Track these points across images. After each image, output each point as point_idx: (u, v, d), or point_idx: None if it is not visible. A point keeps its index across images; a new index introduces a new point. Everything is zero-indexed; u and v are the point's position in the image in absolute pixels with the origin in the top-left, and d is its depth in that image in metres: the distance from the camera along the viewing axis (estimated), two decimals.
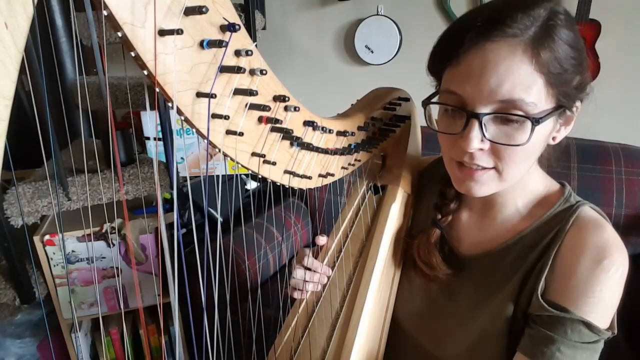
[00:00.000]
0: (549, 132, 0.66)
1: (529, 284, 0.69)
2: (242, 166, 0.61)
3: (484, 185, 0.69)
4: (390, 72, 2.59)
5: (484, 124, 0.62)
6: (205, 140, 0.53)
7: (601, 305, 0.64)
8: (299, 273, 0.86)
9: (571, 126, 0.69)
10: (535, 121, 0.60)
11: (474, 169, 0.67)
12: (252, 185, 2.20)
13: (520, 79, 0.59)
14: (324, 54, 2.71)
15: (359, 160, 0.88)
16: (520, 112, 0.60)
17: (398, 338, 0.84)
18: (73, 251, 1.62)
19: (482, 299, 0.74)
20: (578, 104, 0.66)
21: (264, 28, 2.07)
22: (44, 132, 1.35)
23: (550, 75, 0.60)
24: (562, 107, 0.63)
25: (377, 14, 2.50)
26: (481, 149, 0.64)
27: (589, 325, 0.63)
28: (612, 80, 2.16)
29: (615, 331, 0.66)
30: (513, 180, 0.69)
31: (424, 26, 2.48)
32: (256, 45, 0.54)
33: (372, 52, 2.56)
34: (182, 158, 2.03)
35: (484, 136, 0.63)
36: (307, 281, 0.86)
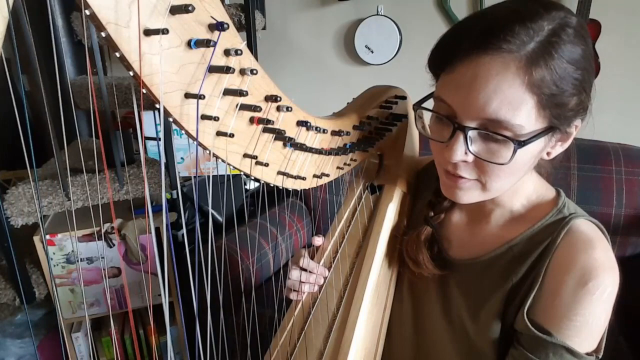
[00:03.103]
0: (540, 150, 0.64)
1: (518, 298, 0.68)
2: (234, 168, 0.61)
3: (467, 193, 0.68)
4: (390, 72, 2.59)
5: (470, 137, 0.61)
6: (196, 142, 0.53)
7: (585, 329, 0.63)
8: (294, 274, 0.85)
9: (568, 143, 0.66)
10: (519, 144, 0.58)
11: (459, 177, 0.67)
12: (252, 185, 2.19)
13: (509, 99, 0.57)
14: (324, 54, 2.71)
15: (355, 160, 0.87)
16: (505, 133, 0.59)
17: (394, 339, 0.84)
18: (73, 251, 1.63)
19: (470, 306, 0.73)
20: (578, 122, 0.64)
21: (264, 28, 2.07)
22: (44, 132, 1.35)
23: (543, 97, 0.57)
24: (554, 128, 0.61)
25: (377, 14, 2.50)
26: (465, 161, 0.64)
27: (570, 351, 0.62)
28: (612, 80, 2.15)
29: (600, 355, 0.65)
30: (498, 192, 0.68)
31: (424, 26, 2.48)
32: (250, 45, 0.54)
33: (372, 52, 2.55)
34: (182, 158, 2.03)
35: (468, 149, 0.62)
36: (303, 282, 0.85)
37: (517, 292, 0.68)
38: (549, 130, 0.61)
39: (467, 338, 0.72)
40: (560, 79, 0.57)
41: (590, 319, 0.63)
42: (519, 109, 0.57)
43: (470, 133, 0.61)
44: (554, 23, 0.57)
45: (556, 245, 0.67)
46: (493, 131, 0.59)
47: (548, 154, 0.67)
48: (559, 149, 0.67)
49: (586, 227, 0.69)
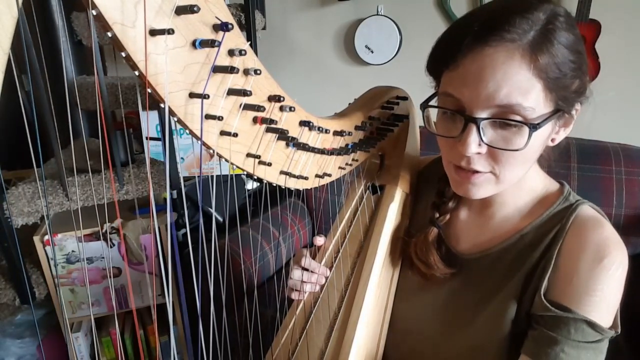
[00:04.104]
0: (548, 135, 0.66)
1: (532, 284, 0.69)
2: (237, 167, 0.61)
3: (481, 188, 0.69)
4: (390, 72, 2.59)
5: (482, 128, 0.62)
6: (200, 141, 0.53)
7: (603, 303, 0.64)
8: (296, 274, 0.85)
9: (570, 128, 0.68)
10: (533, 127, 0.60)
11: (471, 172, 0.67)
12: (252, 185, 2.19)
13: (518, 84, 0.58)
14: (324, 54, 2.71)
15: (357, 160, 0.87)
16: (518, 117, 0.60)
17: (397, 338, 0.84)
18: (73, 251, 1.63)
19: (482, 300, 0.73)
20: (578, 106, 0.66)
21: (264, 28, 2.07)
22: (44, 132, 1.35)
23: (549, 80, 0.59)
24: (560, 110, 0.63)
25: (377, 14, 2.50)
26: (479, 153, 0.64)
27: (592, 324, 0.63)
28: (612, 80, 2.15)
29: (619, 330, 0.66)
30: (510, 182, 0.69)
31: (424, 26, 2.48)
32: (250, 45, 0.54)
33: (372, 52, 2.55)
34: (182, 158, 2.03)
35: (482, 140, 0.63)
36: (304, 282, 0.85)
37: (531, 278, 0.69)
38: (555, 113, 0.63)
39: (480, 331, 0.73)
40: (562, 63, 0.60)
41: (607, 294, 0.64)
42: (529, 93, 0.59)
43: (483, 123, 0.62)
44: (547, 13, 0.60)
45: (566, 229, 0.69)
46: (505, 118, 0.61)
47: (552, 140, 0.68)
48: (562, 134, 0.68)
49: (592, 211, 0.71)
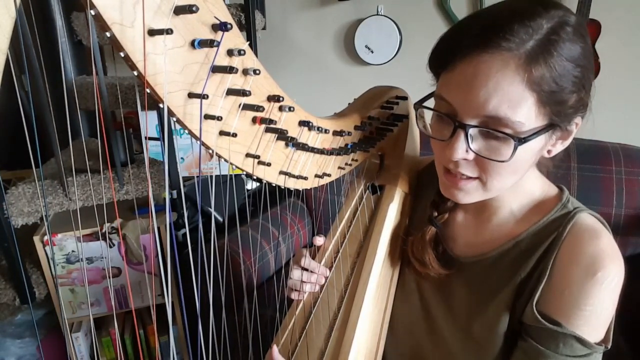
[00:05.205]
0: (541, 147, 0.64)
1: (526, 292, 0.68)
2: (237, 167, 0.61)
3: (467, 194, 0.68)
4: (390, 72, 2.59)
5: (470, 135, 0.61)
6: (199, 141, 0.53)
7: (594, 318, 0.63)
8: (296, 274, 0.85)
9: (569, 141, 0.67)
10: (519, 141, 0.59)
11: (459, 177, 0.67)
12: (252, 185, 2.20)
13: (509, 96, 0.57)
14: (324, 54, 2.71)
15: (356, 160, 0.87)
16: (505, 130, 0.59)
17: (396, 338, 0.84)
18: (73, 251, 1.63)
19: (477, 303, 0.73)
20: (578, 120, 0.64)
21: (264, 28, 2.07)
22: (44, 131, 1.35)
23: (542, 94, 0.57)
24: (554, 125, 0.61)
25: (377, 14, 2.50)
26: (465, 159, 0.64)
27: (580, 340, 0.63)
28: (612, 80, 2.15)
29: (609, 345, 0.65)
30: (499, 191, 0.68)
31: (424, 26, 2.48)
32: (250, 45, 0.54)
33: (372, 52, 2.55)
34: (182, 158, 2.03)
35: (469, 147, 0.62)
36: (304, 282, 0.85)
37: (525, 286, 0.69)
38: (549, 127, 0.61)
39: (472, 336, 0.72)
40: (560, 76, 0.57)
41: (599, 309, 0.63)
42: (519, 105, 0.57)
43: (471, 131, 0.61)
44: (553, 22, 0.57)
45: (562, 238, 0.67)
46: (493, 128, 0.60)
47: (549, 152, 0.67)
48: (559, 147, 0.67)
49: (591, 220, 0.69)
